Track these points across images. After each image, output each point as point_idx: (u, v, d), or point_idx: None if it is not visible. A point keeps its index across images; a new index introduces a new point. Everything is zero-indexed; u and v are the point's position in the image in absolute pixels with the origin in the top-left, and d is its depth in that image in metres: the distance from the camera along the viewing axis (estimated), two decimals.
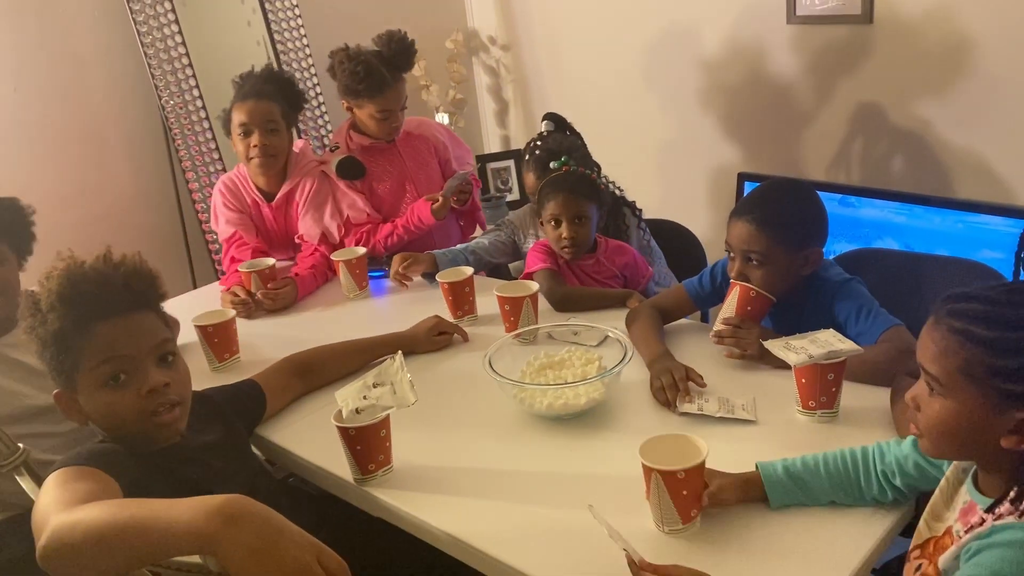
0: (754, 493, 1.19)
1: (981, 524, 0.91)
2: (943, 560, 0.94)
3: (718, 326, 1.65)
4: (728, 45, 2.89)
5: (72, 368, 1.22)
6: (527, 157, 2.27)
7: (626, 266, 2.11)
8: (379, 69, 2.35)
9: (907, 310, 1.58)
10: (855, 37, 2.59)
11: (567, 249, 2.03)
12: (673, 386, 1.49)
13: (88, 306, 1.21)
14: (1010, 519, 0.88)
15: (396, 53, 2.40)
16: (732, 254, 1.65)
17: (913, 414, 0.99)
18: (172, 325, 1.93)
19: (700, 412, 1.44)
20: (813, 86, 2.74)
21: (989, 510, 0.92)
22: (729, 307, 1.64)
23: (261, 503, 0.95)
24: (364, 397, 1.33)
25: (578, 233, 2.01)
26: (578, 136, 2.31)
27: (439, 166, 2.64)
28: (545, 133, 2.27)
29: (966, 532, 0.93)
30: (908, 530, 1.18)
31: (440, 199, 2.41)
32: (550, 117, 2.32)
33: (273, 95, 2.33)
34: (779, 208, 1.62)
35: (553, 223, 2.03)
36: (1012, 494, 0.90)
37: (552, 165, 2.08)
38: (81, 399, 1.24)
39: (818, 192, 1.67)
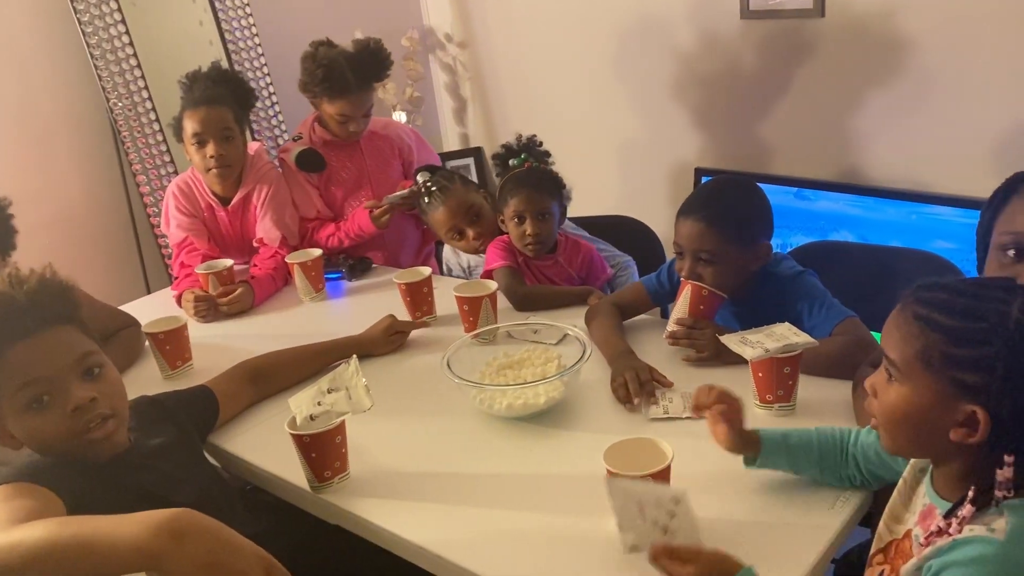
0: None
1: (939, 533, 0.90)
2: (904, 571, 0.93)
3: (672, 327, 1.64)
4: (683, 41, 2.90)
5: None
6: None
7: (583, 266, 2.10)
8: (343, 73, 2.31)
9: (863, 301, 1.59)
10: (807, 31, 2.61)
11: (531, 247, 2.02)
12: (636, 382, 1.48)
13: None
14: (972, 531, 0.86)
15: (365, 62, 2.36)
16: (682, 253, 1.64)
17: (870, 402, 0.98)
18: (132, 326, 1.87)
19: (667, 415, 1.44)
20: (767, 80, 2.76)
21: (948, 515, 0.91)
22: (681, 307, 1.63)
23: (208, 516, 0.92)
24: (318, 403, 1.30)
25: (542, 230, 2.00)
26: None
27: (402, 168, 2.60)
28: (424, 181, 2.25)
29: (926, 538, 0.92)
30: (866, 520, 1.19)
31: (383, 206, 2.36)
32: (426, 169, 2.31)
33: (224, 99, 2.27)
34: (727, 205, 1.62)
35: (516, 220, 2.02)
36: (971, 494, 0.89)
37: (512, 162, 2.07)
38: (9, 425, 1.19)
39: (775, 186, 1.68)
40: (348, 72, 2.32)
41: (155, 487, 1.26)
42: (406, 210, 2.45)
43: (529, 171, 2.04)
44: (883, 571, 0.99)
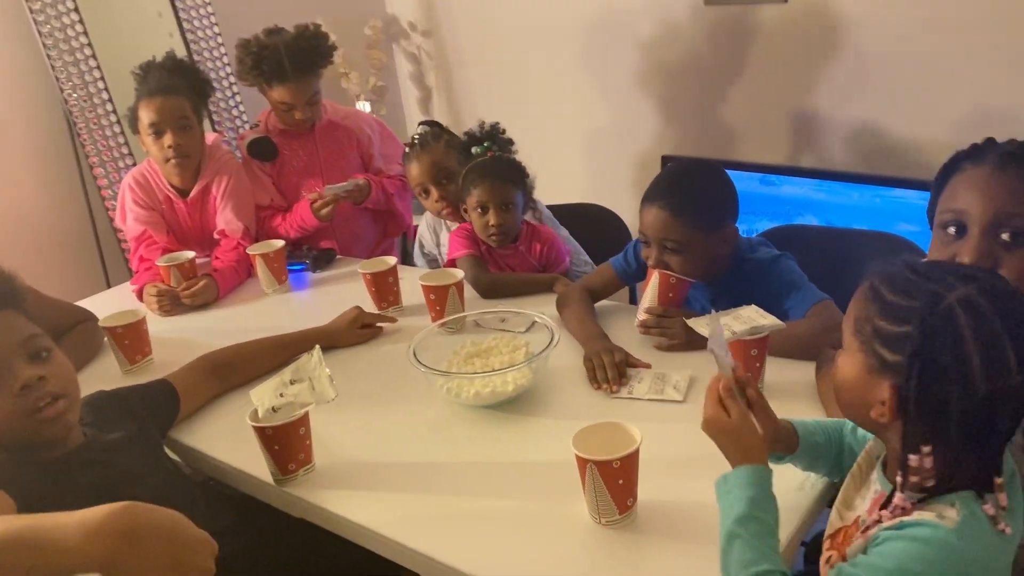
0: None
1: (877, 523, 0.89)
2: (850, 551, 0.92)
3: (642, 315, 1.63)
4: (648, 29, 2.89)
5: None
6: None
7: (544, 253, 2.08)
8: (279, 61, 2.27)
9: (829, 284, 1.60)
10: (770, 17, 2.61)
11: (494, 237, 2.00)
12: (612, 368, 1.48)
13: None
14: (921, 516, 0.85)
15: (303, 49, 2.31)
16: (647, 242, 1.63)
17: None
18: (89, 320, 1.83)
19: (631, 396, 1.43)
20: (732, 67, 2.76)
21: (885, 504, 0.89)
22: (650, 296, 1.62)
23: (155, 507, 0.88)
24: (281, 395, 1.28)
25: (505, 220, 1.98)
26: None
27: (361, 160, 2.55)
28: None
29: (865, 528, 0.91)
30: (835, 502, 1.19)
31: (325, 199, 2.32)
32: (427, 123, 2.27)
33: (181, 88, 2.22)
34: (692, 192, 1.60)
35: (479, 210, 1.98)
36: (898, 479, 0.87)
37: (474, 151, 2.03)
38: None
39: (740, 172, 1.68)
40: (285, 59, 2.27)
41: (112, 484, 1.23)
42: (356, 204, 2.41)
43: (493, 160, 2.00)
44: (831, 557, 0.98)
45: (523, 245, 2.06)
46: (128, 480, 1.25)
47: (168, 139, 2.18)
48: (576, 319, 1.68)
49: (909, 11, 2.36)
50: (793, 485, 1.16)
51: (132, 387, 1.47)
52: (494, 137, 2.04)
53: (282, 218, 2.43)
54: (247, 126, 2.98)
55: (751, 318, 1.39)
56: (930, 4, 2.31)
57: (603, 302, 1.82)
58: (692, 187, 1.62)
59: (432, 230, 2.32)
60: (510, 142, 2.07)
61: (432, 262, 2.32)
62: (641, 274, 1.73)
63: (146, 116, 2.17)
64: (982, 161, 1.12)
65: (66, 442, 1.24)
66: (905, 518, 0.86)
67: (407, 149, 2.22)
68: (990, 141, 1.15)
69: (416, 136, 2.19)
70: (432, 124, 2.24)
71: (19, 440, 1.17)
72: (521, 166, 2.04)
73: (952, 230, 1.13)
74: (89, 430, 1.30)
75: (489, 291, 1.95)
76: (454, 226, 2.21)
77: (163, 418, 1.47)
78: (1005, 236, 1.08)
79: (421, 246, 2.36)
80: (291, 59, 2.28)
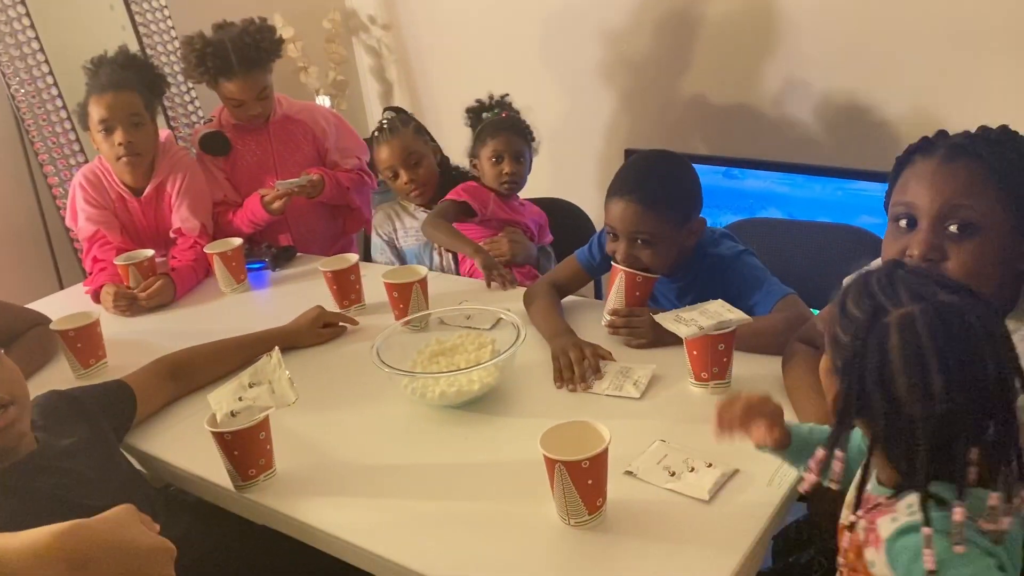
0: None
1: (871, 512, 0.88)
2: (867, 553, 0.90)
3: (608, 316, 1.61)
4: (609, 23, 2.88)
5: None
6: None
7: (538, 225, 2.25)
8: (225, 56, 2.24)
9: (793, 277, 1.60)
10: (728, 9, 2.61)
11: (506, 185, 2.16)
12: (580, 362, 1.46)
13: None
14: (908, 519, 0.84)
15: (247, 44, 2.26)
16: (616, 235, 1.61)
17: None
18: (41, 324, 1.77)
19: (589, 391, 1.42)
20: (695, 60, 2.76)
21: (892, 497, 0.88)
22: (617, 296, 1.60)
23: (101, 520, 0.83)
24: (240, 398, 1.24)
25: (516, 169, 2.15)
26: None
27: (316, 154, 2.51)
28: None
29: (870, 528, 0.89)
30: (803, 496, 1.18)
31: (276, 192, 2.30)
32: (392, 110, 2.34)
33: (132, 83, 2.16)
34: (660, 184, 1.59)
35: (494, 159, 2.15)
36: (857, 477, 0.89)
37: (485, 116, 2.22)
38: None
39: (703, 165, 1.67)
40: (232, 54, 2.24)
41: (67, 491, 1.18)
42: (309, 198, 2.38)
43: (507, 117, 2.20)
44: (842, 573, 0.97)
45: (523, 204, 2.25)
46: (84, 487, 1.21)
47: (119, 136, 2.11)
48: (542, 315, 1.66)
49: (868, 3, 2.37)
50: (763, 480, 1.16)
51: (86, 387, 1.42)
52: (504, 104, 2.25)
53: (234, 214, 2.40)
54: (202, 122, 2.92)
55: (717, 312, 1.38)
56: None
57: (569, 298, 1.80)
58: (661, 179, 1.60)
59: (389, 218, 2.32)
60: (518, 112, 2.26)
61: (389, 245, 2.30)
62: (605, 266, 1.72)
63: (96, 113, 2.11)
64: (931, 154, 1.12)
65: (18, 450, 1.19)
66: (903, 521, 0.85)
67: (376, 133, 2.26)
68: (941, 133, 1.16)
69: (384, 121, 2.26)
70: (398, 110, 2.32)
71: None
72: (529, 128, 2.23)
73: (903, 223, 1.13)
74: (41, 435, 1.25)
75: (433, 224, 2.10)
76: (418, 212, 2.26)
77: (119, 421, 1.42)
78: (953, 228, 1.08)
79: (378, 235, 2.33)
80: (237, 54, 2.25)
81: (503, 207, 2.19)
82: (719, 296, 1.45)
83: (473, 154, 2.22)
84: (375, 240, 2.33)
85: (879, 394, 0.83)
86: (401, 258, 2.27)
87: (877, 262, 1.25)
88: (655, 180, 1.60)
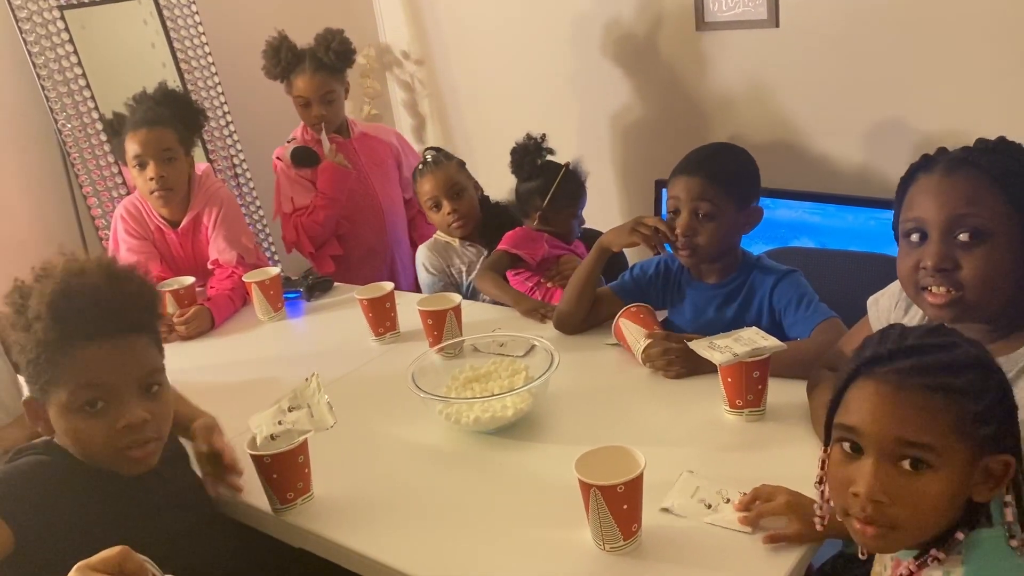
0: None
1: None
2: None
3: (640, 355, 1.60)
4: (640, 55, 2.91)
5: (49, 382, 1.12)
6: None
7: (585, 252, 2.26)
8: (297, 54, 2.52)
9: (827, 305, 1.60)
10: (763, 42, 2.63)
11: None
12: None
13: (76, 324, 1.11)
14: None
15: (322, 46, 2.52)
16: (677, 211, 1.63)
17: (879, 511, 0.83)
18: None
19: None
20: (725, 91, 2.78)
21: (919, 558, 0.87)
22: (635, 336, 1.62)
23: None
24: (279, 422, 1.26)
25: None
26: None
27: (396, 164, 2.78)
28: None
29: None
30: None
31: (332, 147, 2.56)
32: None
33: (167, 120, 2.22)
34: (726, 163, 1.66)
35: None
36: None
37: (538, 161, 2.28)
38: (51, 412, 1.14)
39: None
40: (305, 53, 2.53)
41: (152, 503, 1.22)
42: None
43: (432, 158, 2.29)
44: None
45: (579, 248, 2.28)
46: (168, 499, 1.25)
47: (151, 171, 2.18)
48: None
49: (901, 35, 2.38)
50: None
51: None
52: (541, 148, 2.31)
53: (312, 203, 2.59)
54: (242, 155, 3.00)
55: (752, 339, 1.39)
56: (919, 26, 2.34)
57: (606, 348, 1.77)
58: (727, 159, 1.68)
59: (438, 254, 2.32)
60: (551, 151, 2.35)
61: (448, 282, 2.31)
62: (636, 291, 1.77)
63: (131, 148, 2.18)
64: (932, 170, 1.15)
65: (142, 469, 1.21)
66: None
67: (420, 167, 2.34)
68: (940, 150, 1.18)
69: (429, 155, 2.35)
70: (439, 150, 2.41)
71: (92, 460, 1.16)
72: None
73: (915, 237, 1.15)
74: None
75: (482, 274, 2.14)
76: (464, 249, 2.30)
77: None
78: (963, 237, 1.10)
79: (426, 270, 2.35)
80: (309, 52, 2.53)
81: (557, 243, 2.23)
82: (759, 308, 1.45)
83: (534, 204, 2.25)
84: (425, 281, 2.34)
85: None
86: (458, 289, 2.29)
87: (896, 285, 1.26)
88: (720, 159, 1.67)
